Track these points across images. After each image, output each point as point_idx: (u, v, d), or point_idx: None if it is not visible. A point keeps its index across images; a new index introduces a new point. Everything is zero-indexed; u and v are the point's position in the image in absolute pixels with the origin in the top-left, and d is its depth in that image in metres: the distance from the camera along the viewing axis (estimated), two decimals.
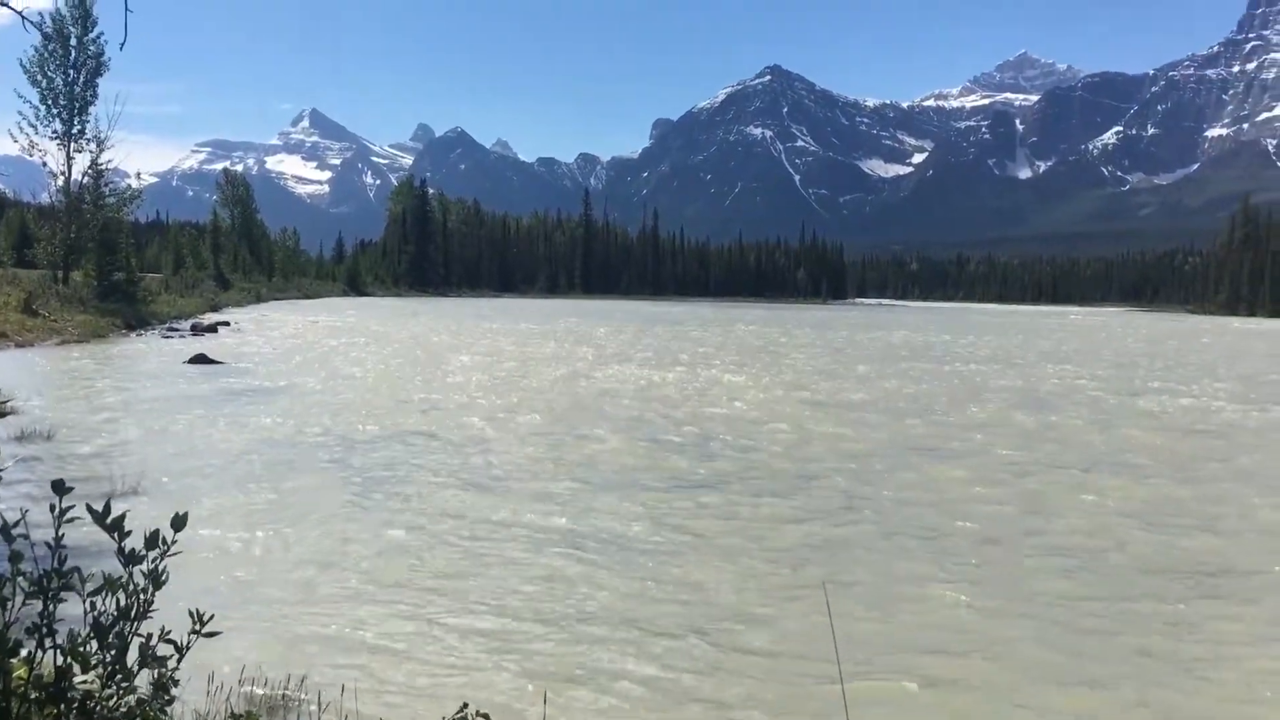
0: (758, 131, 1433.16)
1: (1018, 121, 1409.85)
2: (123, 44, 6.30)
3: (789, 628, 9.77)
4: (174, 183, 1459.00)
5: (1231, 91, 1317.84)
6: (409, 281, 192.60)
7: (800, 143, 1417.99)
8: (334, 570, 11.27)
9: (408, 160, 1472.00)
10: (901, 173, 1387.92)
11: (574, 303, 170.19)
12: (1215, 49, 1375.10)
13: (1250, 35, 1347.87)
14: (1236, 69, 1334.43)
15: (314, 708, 7.21)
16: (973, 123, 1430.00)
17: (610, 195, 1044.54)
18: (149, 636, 3.13)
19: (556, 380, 34.35)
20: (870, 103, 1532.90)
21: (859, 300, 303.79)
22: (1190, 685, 8.69)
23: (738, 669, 8.69)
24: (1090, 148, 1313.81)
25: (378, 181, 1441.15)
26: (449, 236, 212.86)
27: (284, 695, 7.47)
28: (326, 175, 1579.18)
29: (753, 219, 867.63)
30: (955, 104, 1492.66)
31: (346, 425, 22.46)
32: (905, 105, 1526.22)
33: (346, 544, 12.36)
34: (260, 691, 7.48)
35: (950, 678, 8.68)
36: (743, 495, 16.01)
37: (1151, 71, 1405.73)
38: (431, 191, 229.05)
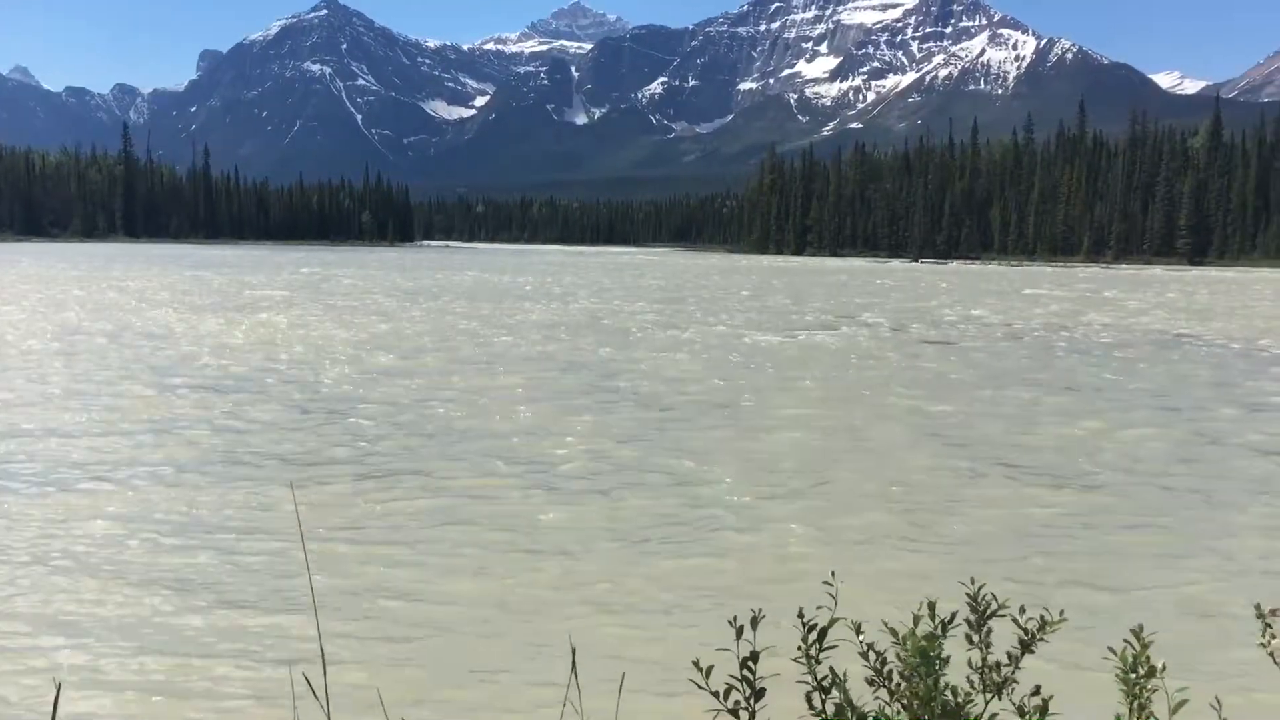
0: (316, 68, 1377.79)
1: (574, 69, 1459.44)
2: None
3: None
4: None
5: (759, 48, 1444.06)
6: None
7: (361, 81, 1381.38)
8: None
9: None
10: (465, 115, 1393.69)
11: (114, 247, 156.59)
12: (745, 8, 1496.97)
13: None
14: (763, 28, 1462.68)
15: None
16: (532, 68, 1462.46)
17: (154, 130, 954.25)
18: None
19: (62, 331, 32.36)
20: (431, 43, 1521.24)
21: (426, 243, 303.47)
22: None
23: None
24: (640, 96, 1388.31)
25: None
26: None
27: None
28: None
29: (314, 159, 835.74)
30: (515, 49, 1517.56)
31: None
32: (466, 48, 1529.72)
33: None
34: None
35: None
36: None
37: (691, 26, 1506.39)
38: None
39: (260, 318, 39.41)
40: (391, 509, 12.32)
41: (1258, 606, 2.35)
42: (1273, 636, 2.30)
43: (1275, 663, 2.32)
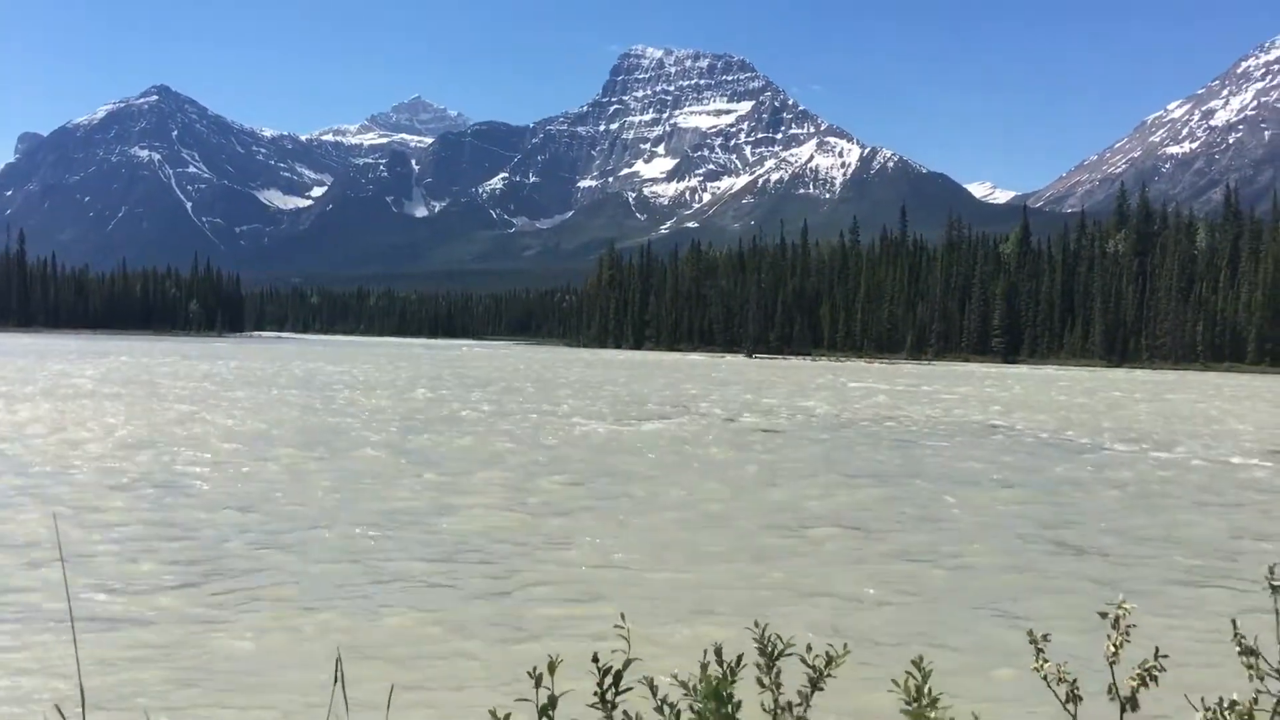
0: (144, 154, 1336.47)
1: (414, 162, 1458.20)
2: None
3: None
4: None
5: (599, 148, 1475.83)
6: None
7: (193, 168, 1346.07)
8: None
9: None
10: (301, 205, 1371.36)
11: None
12: (585, 109, 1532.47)
13: (613, 99, 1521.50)
14: (603, 128, 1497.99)
15: None
16: (371, 160, 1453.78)
17: None
18: None
19: None
20: (268, 133, 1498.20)
21: (257, 333, 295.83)
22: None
23: None
24: (480, 191, 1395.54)
25: None
26: None
27: None
28: None
29: (141, 246, 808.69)
30: (354, 140, 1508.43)
31: None
32: (304, 138, 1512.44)
33: None
34: None
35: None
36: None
37: (532, 124, 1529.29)
38: None
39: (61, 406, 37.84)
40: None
41: (1030, 632, 2.46)
42: (1045, 660, 2.42)
43: (1049, 685, 2.40)
